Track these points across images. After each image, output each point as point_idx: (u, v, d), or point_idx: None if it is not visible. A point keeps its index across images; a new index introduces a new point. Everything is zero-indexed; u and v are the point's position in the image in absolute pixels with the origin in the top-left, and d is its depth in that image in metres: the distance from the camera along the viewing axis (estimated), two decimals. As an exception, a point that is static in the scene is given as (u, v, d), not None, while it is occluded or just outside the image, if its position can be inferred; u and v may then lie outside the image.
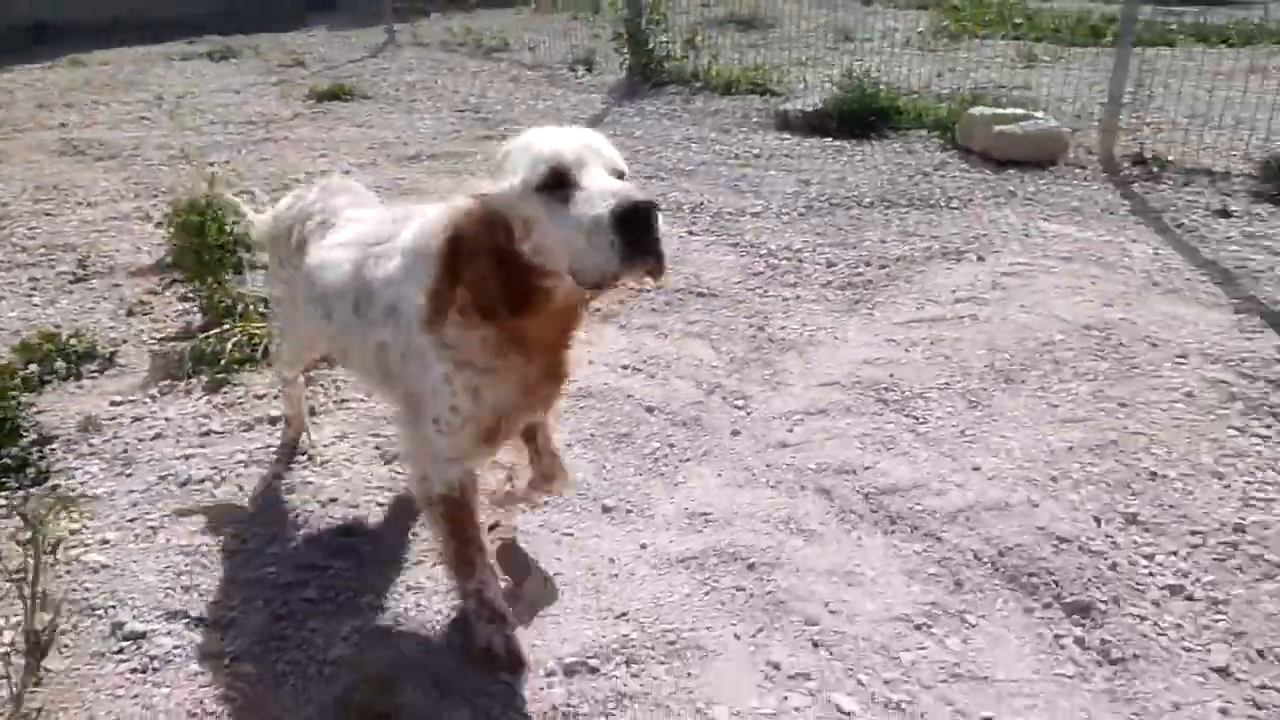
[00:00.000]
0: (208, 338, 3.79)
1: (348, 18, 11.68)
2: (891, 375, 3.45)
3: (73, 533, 2.74)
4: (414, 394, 2.19)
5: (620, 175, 1.88)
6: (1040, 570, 2.49)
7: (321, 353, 3.09)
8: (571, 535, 2.71)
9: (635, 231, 1.70)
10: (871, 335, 3.80)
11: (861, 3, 11.70)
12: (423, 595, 2.48)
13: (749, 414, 3.29)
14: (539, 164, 1.83)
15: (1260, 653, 2.26)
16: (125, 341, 3.96)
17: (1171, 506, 2.74)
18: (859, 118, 6.48)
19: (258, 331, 3.81)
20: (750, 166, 5.95)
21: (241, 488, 2.95)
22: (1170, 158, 5.66)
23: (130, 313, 4.20)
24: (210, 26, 11.07)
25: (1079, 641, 2.29)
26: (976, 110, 5.84)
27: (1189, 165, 5.59)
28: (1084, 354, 3.53)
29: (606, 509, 2.80)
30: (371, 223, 2.43)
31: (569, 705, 2.13)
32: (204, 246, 4.26)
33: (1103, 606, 2.38)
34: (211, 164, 5.90)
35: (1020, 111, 5.77)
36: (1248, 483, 2.84)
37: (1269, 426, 3.10)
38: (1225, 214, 4.96)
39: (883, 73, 7.43)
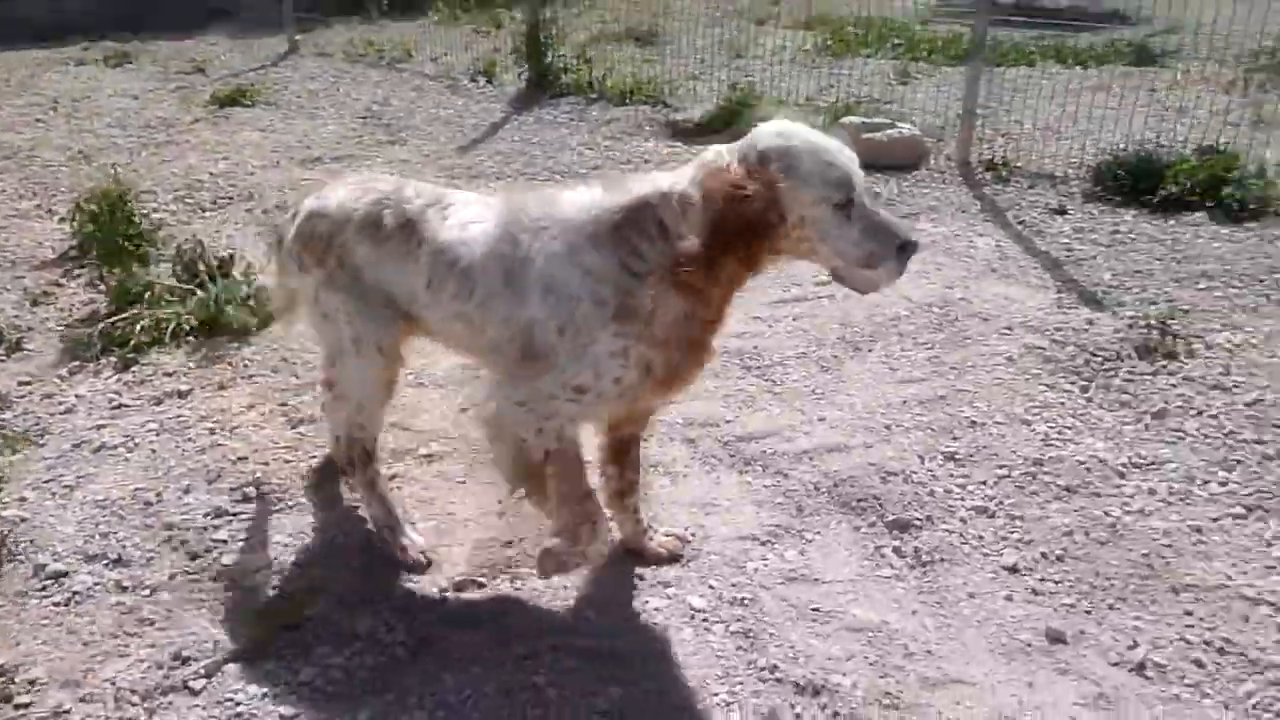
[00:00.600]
0: (115, 321, 3.99)
1: (248, 26, 11.74)
2: (755, 346, 3.89)
3: (-9, 490, 2.95)
4: (552, 364, 2.25)
5: None
6: (869, 497, 2.93)
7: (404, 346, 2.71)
8: (464, 482, 3.04)
9: (906, 261, 2.18)
10: (741, 314, 4.24)
11: (754, 22, 12.33)
12: (326, 534, 2.78)
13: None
14: (842, 185, 2.11)
15: (1044, 555, 2.73)
16: (31, 329, 4.12)
17: (985, 447, 3.23)
18: (743, 125, 6.98)
19: (165, 316, 4.02)
20: (641, 170, 6.38)
21: (155, 451, 3.20)
22: (1019, 164, 6.30)
23: (35, 302, 4.35)
24: (105, 32, 11.01)
25: (897, 550, 2.74)
26: (847, 119, 6.40)
27: (1034, 170, 6.23)
28: (924, 328, 4.03)
29: (497, 460, 3.14)
30: (503, 202, 2.48)
31: (460, 611, 2.48)
32: (115, 235, 4.45)
33: (919, 523, 2.84)
34: (113, 165, 6.03)
35: (886, 121, 6.36)
36: (1050, 427, 3.35)
37: (1072, 383, 3.64)
38: (1061, 212, 5.58)
39: (769, 86, 7.99)
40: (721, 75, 8.67)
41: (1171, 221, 5.37)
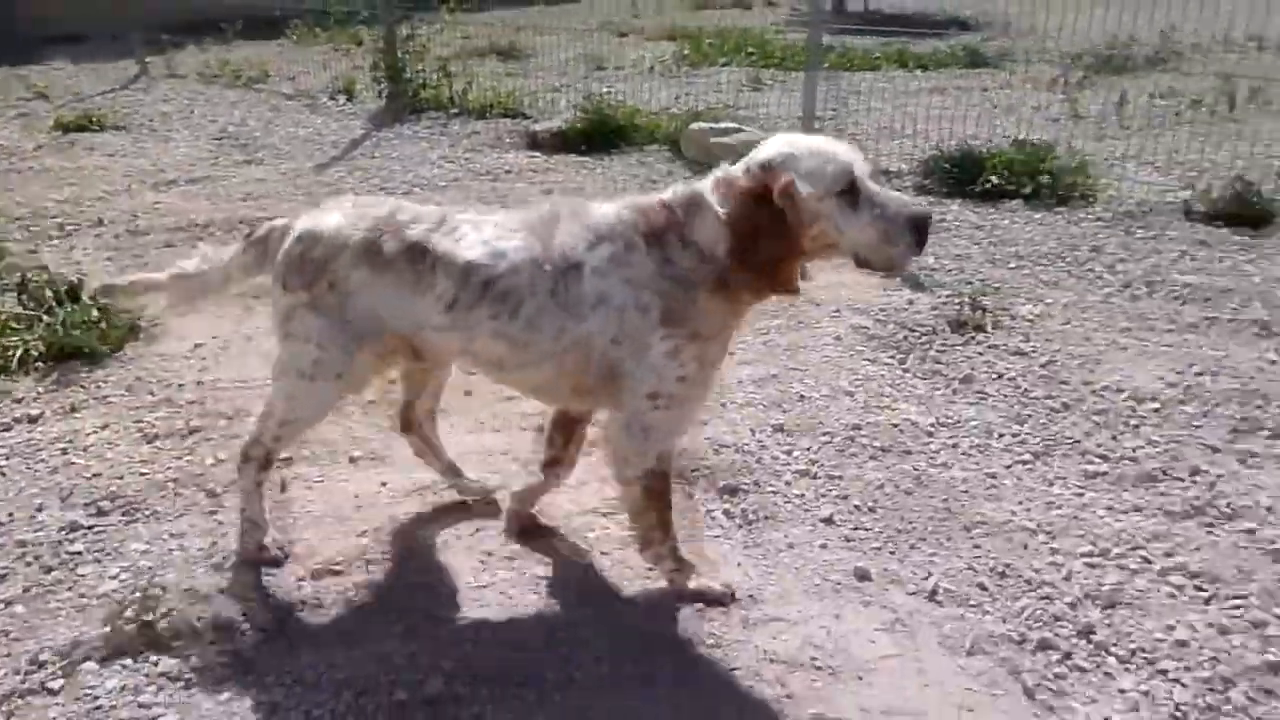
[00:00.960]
0: (-43, 352, 3.95)
1: (95, 50, 11.41)
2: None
3: None
4: (614, 379, 2.42)
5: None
6: (701, 467, 3.22)
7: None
8: (322, 481, 3.18)
9: (921, 232, 2.28)
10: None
11: (616, 35, 12.69)
12: (184, 539, 2.88)
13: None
14: (842, 176, 2.24)
15: (857, 507, 3.06)
16: None
17: (811, 417, 3.56)
18: (600, 135, 7.27)
19: (11, 344, 4.00)
20: (500, 180, 6.57)
21: (4, 475, 3.22)
22: (858, 162, 6.78)
23: None
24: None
25: (726, 513, 3.02)
26: (696, 125, 6.75)
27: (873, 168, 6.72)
28: (761, 315, 4.36)
29: (353, 459, 3.30)
30: (528, 217, 2.52)
31: (315, 598, 2.62)
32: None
33: (746, 488, 3.13)
34: (-51, 196, 5.86)
35: (733, 125, 6.73)
36: (869, 396, 3.71)
37: (892, 356, 4.02)
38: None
39: (628, 96, 8.30)
40: (581, 87, 8.96)
41: (991, 209, 5.90)
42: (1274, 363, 3.93)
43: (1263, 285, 4.66)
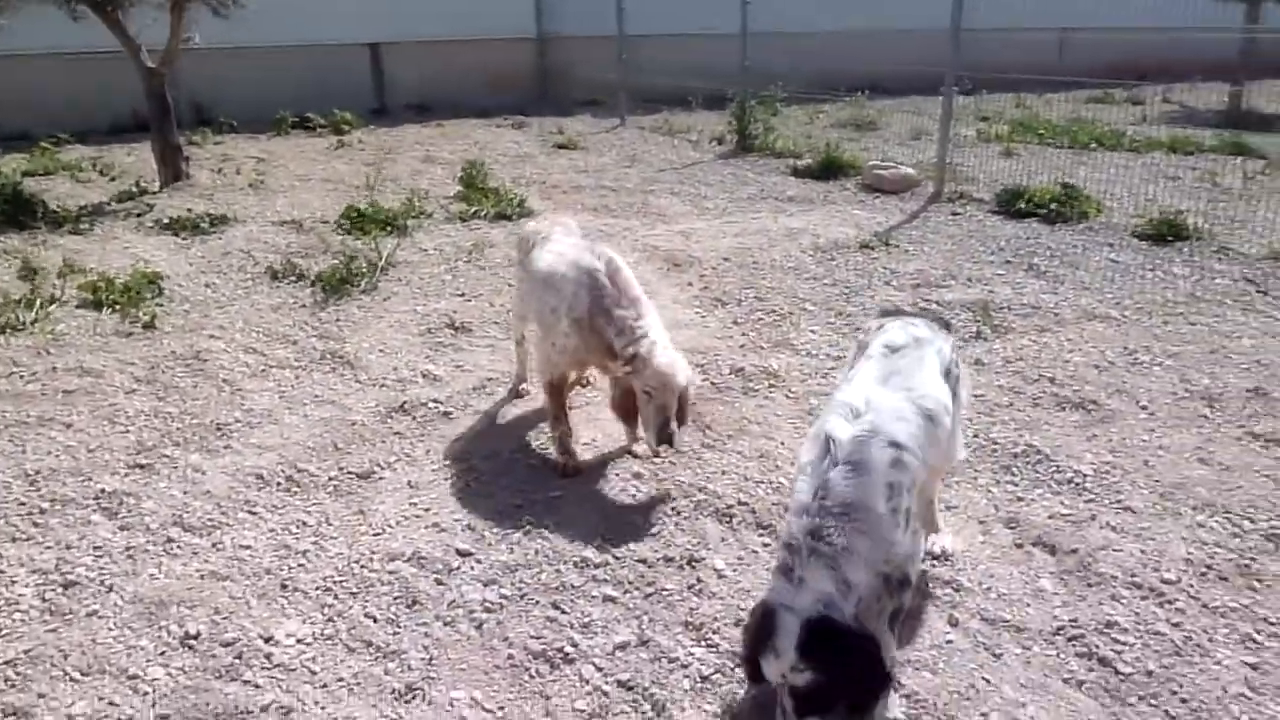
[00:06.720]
0: None
1: (602, 110, 19.01)
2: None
3: None
4: (548, 329, 4.73)
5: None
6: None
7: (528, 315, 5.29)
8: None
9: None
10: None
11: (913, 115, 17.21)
12: None
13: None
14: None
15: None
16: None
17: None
18: (829, 168, 12.31)
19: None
20: (764, 187, 12.02)
21: None
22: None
23: None
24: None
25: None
26: (870, 163, 11.55)
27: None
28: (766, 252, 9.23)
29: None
30: (557, 243, 4.93)
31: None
32: None
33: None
34: None
35: (890, 162, 11.40)
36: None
37: (832, 259, 8.71)
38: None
39: (858, 149, 13.17)
40: (832, 139, 13.96)
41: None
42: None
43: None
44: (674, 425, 4.44)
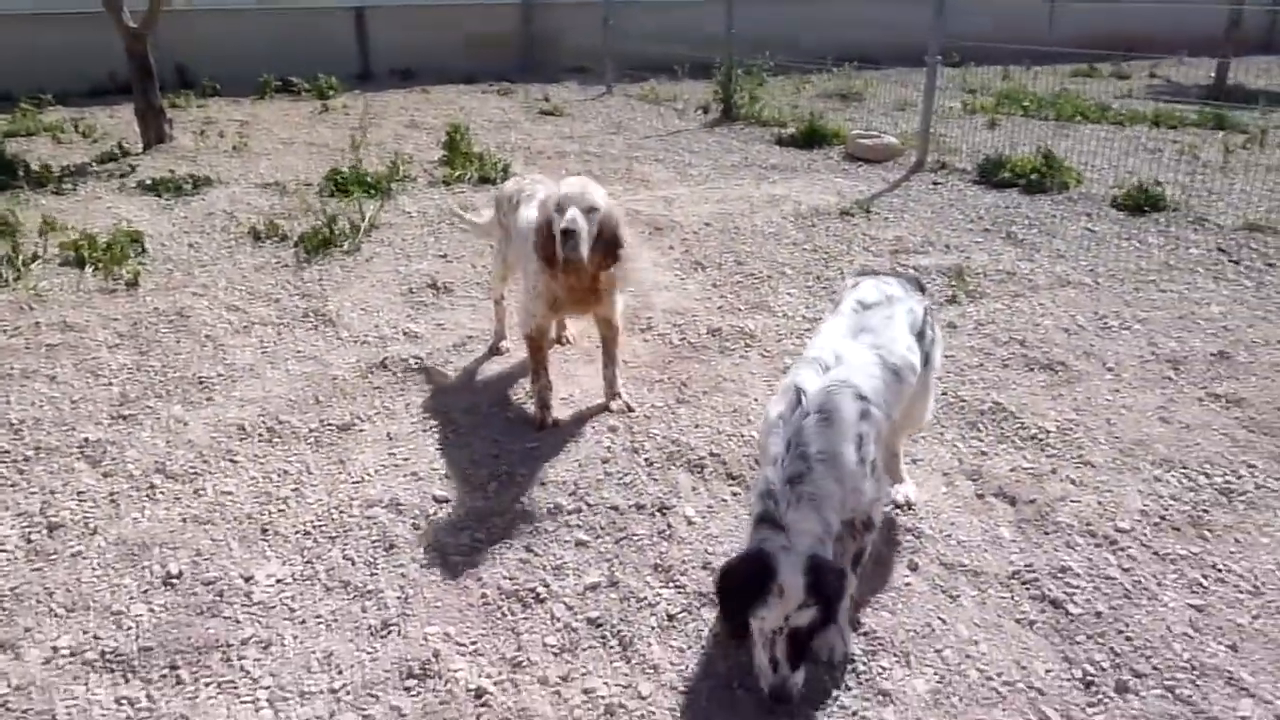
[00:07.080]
0: None
1: (589, 78, 18.97)
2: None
3: None
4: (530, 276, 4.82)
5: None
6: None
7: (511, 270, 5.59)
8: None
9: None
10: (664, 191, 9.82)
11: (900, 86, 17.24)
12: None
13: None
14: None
15: (707, 245, 8.16)
16: None
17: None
18: (812, 137, 12.38)
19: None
20: (749, 155, 12.09)
21: None
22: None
23: None
24: None
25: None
26: (854, 132, 11.60)
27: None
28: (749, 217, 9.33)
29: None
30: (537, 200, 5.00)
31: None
32: None
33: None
34: None
35: (874, 131, 11.46)
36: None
37: (812, 225, 8.82)
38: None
39: (841, 120, 13.24)
40: (815, 110, 14.01)
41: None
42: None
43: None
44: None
